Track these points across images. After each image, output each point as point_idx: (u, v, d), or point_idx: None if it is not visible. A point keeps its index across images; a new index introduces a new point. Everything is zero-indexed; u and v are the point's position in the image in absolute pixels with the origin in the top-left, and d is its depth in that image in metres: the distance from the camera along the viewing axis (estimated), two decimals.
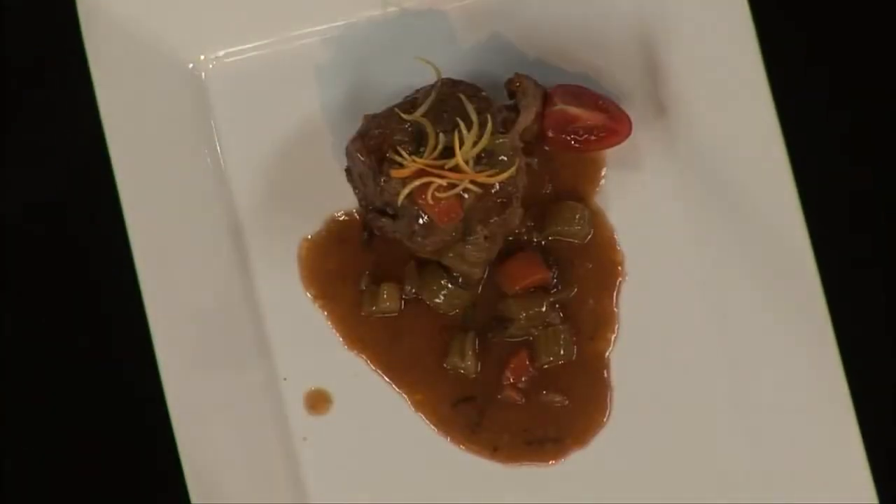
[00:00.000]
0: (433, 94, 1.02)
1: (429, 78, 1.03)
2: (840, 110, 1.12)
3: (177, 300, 1.05)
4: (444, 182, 0.99)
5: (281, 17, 1.08)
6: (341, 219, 1.09)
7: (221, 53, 1.09)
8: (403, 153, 1.00)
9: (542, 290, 1.07)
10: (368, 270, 1.08)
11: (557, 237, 1.08)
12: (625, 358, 1.08)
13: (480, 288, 1.08)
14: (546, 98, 1.06)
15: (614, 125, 1.06)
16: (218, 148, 1.09)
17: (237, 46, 1.09)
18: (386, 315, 1.08)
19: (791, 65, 1.09)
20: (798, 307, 1.05)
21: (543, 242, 1.08)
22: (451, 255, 1.05)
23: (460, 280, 1.07)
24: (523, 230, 1.08)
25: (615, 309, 1.08)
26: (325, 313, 1.08)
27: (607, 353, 1.08)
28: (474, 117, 1.00)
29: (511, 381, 1.07)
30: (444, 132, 1.00)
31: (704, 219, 1.07)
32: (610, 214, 1.09)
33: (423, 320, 1.08)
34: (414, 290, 1.07)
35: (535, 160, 1.06)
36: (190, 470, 1.04)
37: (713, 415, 1.07)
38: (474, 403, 1.08)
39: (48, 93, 1.13)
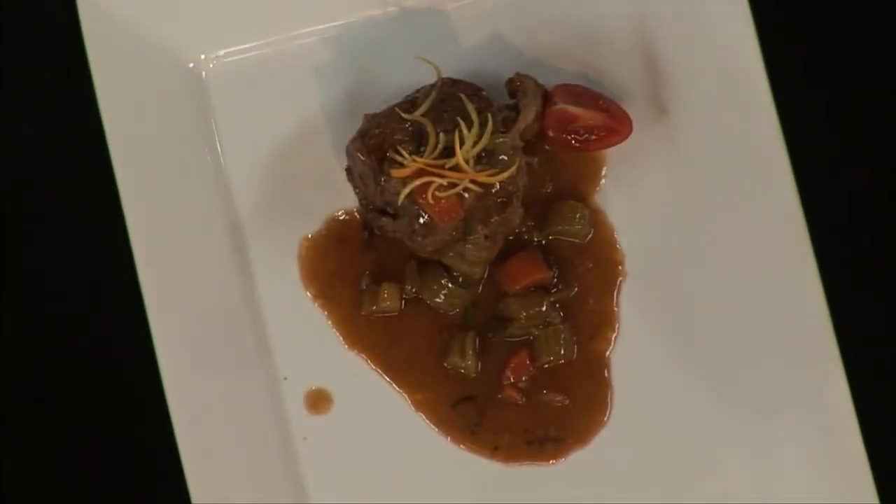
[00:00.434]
0: (433, 94, 1.02)
1: (429, 77, 1.03)
2: (840, 110, 1.12)
3: (177, 300, 1.05)
4: (444, 181, 0.99)
5: (281, 17, 1.08)
6: (341, 218, 1.09)
7: (221, 53, 1.09)
8: (404, 153, 1.00)
9: (543, 289, 1.07)
10: (369, 270, 1.08)
11: (558, 236, 1.08)
12: (625, 357, 1.08)
13: (481, 287, 1.08)
14: (546, 97, 1.06)
15: (615, 125, 1.06)
16: (218, 148, 1.09)
17: (237, 46, 1.09)
18: (386, 315, 1.08)
19: (791, 65, 1.09)
20: (798, 307, 1.05)
21: (544, 242, 1.08)
22: (451, 254, 1.05)
23: (460, 279, 1.07)
24: (524, 229, 1.08)
25: (615, 308, 1.08)
26: (326, 313, 1.08)
27: (607, 353, 1.08)
28: (475, 117, 1.00)
29: (511, 380, 1.07)
30: (445, 132, 1.00)
31: (704, 218, 1.07)
32: (610, 214, 1.09)
33: (423, 320, 1.08)
34: (414, 290, 1.07)
35: (536, 159, 1.06)
36: (190, 470, 1.04)
37: (713, 414, 1.07)
38: (474, 403, 1.08)
39: (48, 93, 1.13)
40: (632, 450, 1.07)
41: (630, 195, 1.08)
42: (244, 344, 1.07)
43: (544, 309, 1.07)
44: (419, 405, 1.08)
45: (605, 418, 1.07)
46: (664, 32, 1.07)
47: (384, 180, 1.01)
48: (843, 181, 1.12)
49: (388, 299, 1.07)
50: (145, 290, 1.04)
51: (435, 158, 1.00)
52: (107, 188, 1.05)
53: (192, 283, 1.06)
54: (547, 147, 1.08)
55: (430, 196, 0.99)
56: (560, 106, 1.06)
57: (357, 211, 1.08)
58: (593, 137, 1.06)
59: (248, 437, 1.06)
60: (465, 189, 1.00)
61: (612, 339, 1.08)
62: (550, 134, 1.06)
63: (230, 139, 1.09)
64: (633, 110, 1.07)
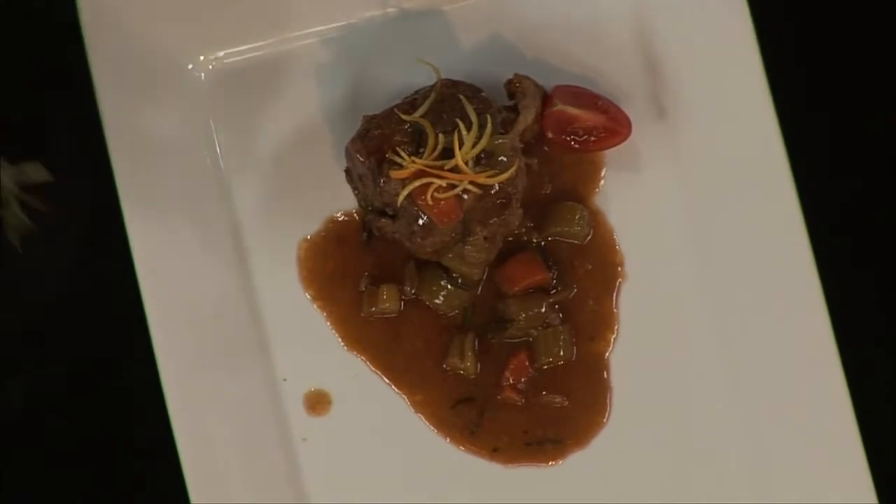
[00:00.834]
0: (433, 95, 1.02)
1: (429, 78, 1.03)
2: (840, 110, 1.12)
3: (176, 301, 1.06)
4: (443, 183, 0.99)
5: (280, 18, 1.08)
6: (341, 219, 1.09)
7: (221, 54, 1.09)
8: (403, 154, 1.00)
9: (542, 290, 1.07)
10: (368, 271, 1.08)
11: (557, 238, 1.08)
12: (624, 359, 1.08)
13: (480, 289, 1.08)
14: (546, 99, 1.06)
15: (614, 126, 1.06)
16: (217, 149, 1.09)
17: (237, 47, 1.09)
18: (385, 316, 1.08)
19: (790, 65, 1.09)
20: (797, 307, 1.05)
21: (543, 243, 1.08)
22: (450, 255, 1.05)
23: (460, 281, 1.07)
24: (523, 231, 1.08)
25: (615, 310, 1.08)
26: (325, 314, 1.08)
27: (607, 354, 1.08)
28: (474, 118, 1.00)
29: (511, 381, 1.07)
30: (444, 133, 1.00)
31: (704, 219, 1.07)
32: (610, 215, 1.09)
33: (422, 321, 1.08)
34: (413, 291, 1.07)
35: (535, 161, 1.06)
36: (190, 470, 1.04)
37: (713, 415, 1.07)
38: (474, 404, 1.08)
39: (48, 93, 1.13)
40: (631, 451, 1.07)
41: (629, 196, 1.08)
42: (243, 345, 1.07)
43: (543, 310, 1.07)
44: (418, 406, 1.08)
45: (605, 420, 1.07)
46: (663, 34, 1.07)
47: (383, 181, 1.01)
48: (842, 181, 1.11)
49: (388, 300, 1.07)
50: (145, 291, 1.05)
51: (434, 160, 1.00)
52: (106, 188, 1.05)
53: (191, 285, 1.06)
54: (546, 148, 1.08)
55: (429, 197, 0.99)
56: (559, 107, 1.06)
57: (356, 212, 1.08)
58: (592, 139, 1.06)
59: (248, 438, 1.06)
60: (465, 190, 1.00)
61: (612, 340, 1.08)
62: (550, 135, 1.06)
63: (229, 140, 1.09)
64: (633, 111, 1.07)
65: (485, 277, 1.08)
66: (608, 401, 1.07)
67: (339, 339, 1.08)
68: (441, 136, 1.00)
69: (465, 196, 1.00)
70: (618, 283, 1.08)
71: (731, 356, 1.06)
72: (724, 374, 1.06)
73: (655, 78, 1.08)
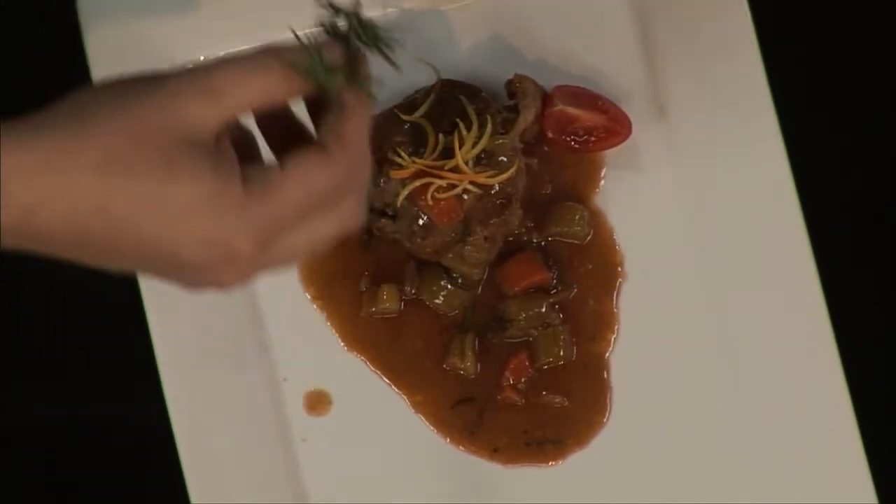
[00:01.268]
0: (433, 95, 1.02)
1: (429, 78, 1.03)
2: (841, 110, 1.12)
3: (176, 300, 1.05)
4: (443, 183, 0.99)
5: (280, 18, 1.08)
6: None
7: (221, 54, 1.08)
8: (403, 154, 1.00)
9: (542, 290, 1.07)
10: (368, 271, 1.08)
11: (557, 238, 1.08)
12: (625, 359, 1.07)
13: (480, 289, 1.08)
14: (546, 99, 1.06)
15: (614, 126, 1.06)
16: None
17: (236, 47, 1.08)
18: (385, 316, 1.08)
19: (791, 65, 1.09)
20: (798, 307, 1.05)
21: (543, 243, 1.08)
22: (450, 255, 1.05)
23: (460, 281, 1.07)
24: (523, 231, 1.08)
25: (615, 310, 1.08)
26: (325, 314, 1.08)
27: (607, 354, 1.08)
28: (474, 118, 1.00)
29: (511, 381, 1.07)
30: (444, 133, 1.00)
31: (704, 219, 1.07)
32: (610, 215, 1.08)
33: (422, 321, 1.08)
34: (413, 291, 1.07)
35: (535, 161, 1.06)
36: (190, 470, 1.04)
37: (713, 415, 1.07)
38: (474, 404, 1.07)
39: (49, 93, 1.12)
40: (631, 451, 1.07)
41: (630, 196, 1.08)
42: (243, 345, 1.07)
43: (544, 310, 1.07)
44: (418, 406, 1.08)
45: (605, 420, 1.07)
46: (664, 33, 1.07)
47: (383, 181, 1.01)
48: (842, 181, 1.11)
49: (388, 300, 1.07)
50: (144, 291, 1.05)
51: (434, 160, 1.00)
52: None
53: None
54: (546, 148, 1.08)
55: (429, 197, 0.99)
56: (559, 107, 1.06)
57: None
58: (593, 139, 1.06)
59: (248, 438, 1.06)
60: (465, 190, 1.00)
61: (612, 340, 1.08)
62: (550, 135, 1.06)
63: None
64: (633, 111, 1.06)
65: (485, 277, 1.08)
66: (608, 401, 1.07)
67: (339, 339, 1.08)
68: (441, 136, 1.00)
69: (465, 196, 1.00)
70: (618, 283, 1.08)
71: (731, 356, 1.06)
72: (724, 374, 1.06)
73: (655, 78, 1.08)
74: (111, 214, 0.70)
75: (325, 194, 0.74)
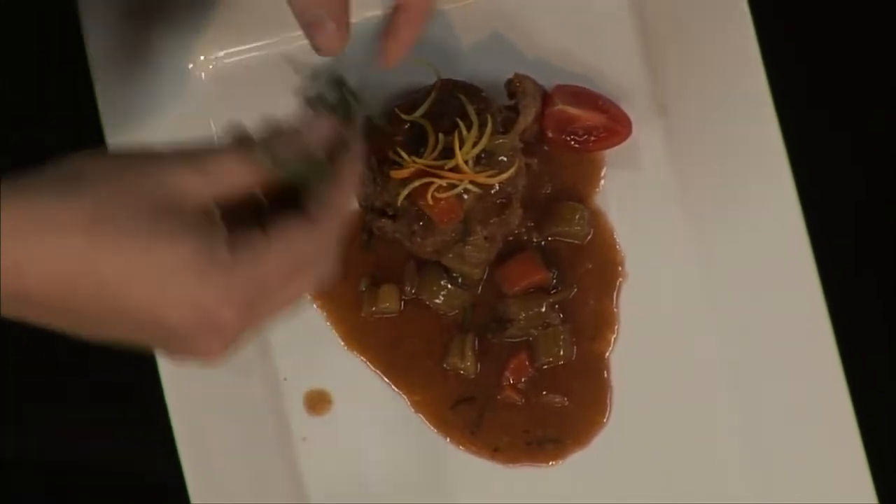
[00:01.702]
0: (433, 95, 1.02)
1: (428, 78, 1.03)
2: (841, 110, 1.12)
3: None
4: (443, 183, 0.99)
5: (280, 18, 1.08)
6: None
7: (221, 54, 1.09)
8: (403, 154, 1.00)
9: (542, 290, 1.07)
10: (368, 271, 1.08)
11: (557, 237, 1.08)
12: (625, 358, 1.08)
13: (480, 288, 1.08)
14: (546, 98, 1.06)
15: (614, 125, 1.06)
16: None
17: (237, 47, 1.09)
18: (385, 316, 1.08)
19: (791, 65, 1.09)
20: (798, 307, 1.05)
21: (543, 243, 1.08)
22: (450, 255, 1.05)
23: (460, 280, 1.07)
24: (523, 231, 1.08)
25: (615, 309, 1.08)
26: (325, 314, 1.08)
27: (607, 354, 1.08)
28: (474, 118, 1.00)
29: (511, 381, 1.07)
30: (444, 133, 1.00)
31: (704, 219, 1.07)
32: (610, 214, 1.08)
33: (422, 321, 1.08)
34: (413, 291, 1.07)
35: (535, 161, 1.06)
36: (190, 470, 1.04)
37: (713, 415, 1.07)
38: (474, 404, 1.08)
39: (49, 93, 1.13)
40: (631, 451, 1.07)
41: (630, 196, 1.08)
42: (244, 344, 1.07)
43: (544, 310, 1.07)
44: (418, 406, 1.08)
45: (605, 419, 1.07)
46: (664, 33, 1.07)
47: (383, 181, 1.01)
48: (842, 181, 1.12)
49: (388, 300, 1.07)
50: None
51: (434, 159, 1.00)
52: None
53: None
54: (546, 148, 1.08)
55: (429, 197, 0.99)
56: (559, 107, 1.06)
57: (356, 212, 1.08)
58: (593, 138, 1.06)
59: (248, 438, 1.06)
60: (465, 190, 1.00)
61: (612, 340, 1.08)
62: (550, 135, 1.06)
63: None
64: (633, 111, 1.06)
65: (485, 277, 1.08)
66: (608, 400, 1.07)
67: (339, 339, 1.08)
68: (441, 136, 1.00)
69: (466, 196, 1.01)
70: (618, 283, 1.08)
71: (731, 355, 1.06)
72: (724, 374, 1.06)
73: (656, 77, 1.08)
74: (98, 276, 0.71)
75: (308, 258, 0.76)
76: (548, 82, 1.07)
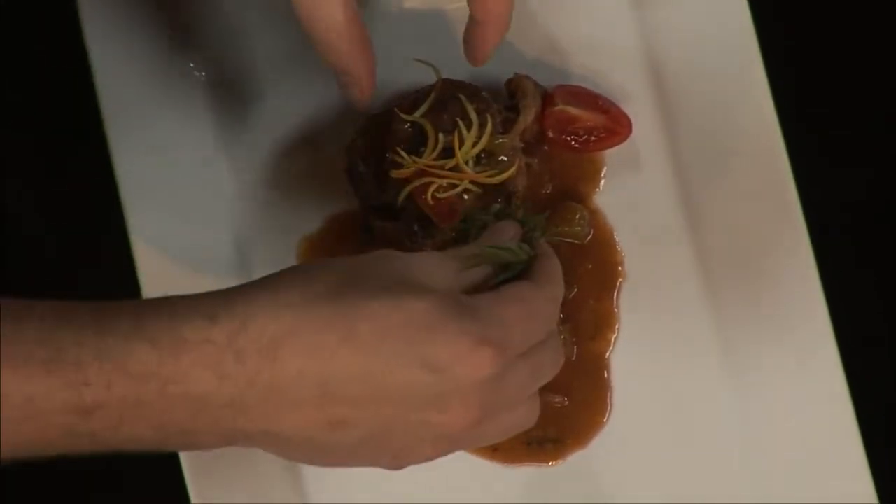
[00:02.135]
0: (433, 95, 1.02)
1: (429, 78, 1.03)
2: (841, 110, 1.12)
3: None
4: (443, 182, 0.99)
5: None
6: (341, 219, 1.09)
7: (222, 53, 1.09)
8: (403, 153, 1.00)
9: None
10: None
11: (557, 238, 1.08)
12: (625, 358, 1.07)
13: None
14: (546, 98, 1.06)
15: (614, 125, 1.06)
16: (218, 147, 1.09)
17: (237, 46, 1.08)
18: None
19: (791, 65, 1.09)
20: (798, 307, 1.05)
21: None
22: None
23: None
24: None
25: (615, 309, 1.08)
26: None
27: (607, 354, 1.08)
28: (474, 117, 1.00)
29: None
30: (444, 132, 1.00)
31: (704, 219, 1.07)
32: (610, 214, 1.08)
33: None
34: None
35: (535, 160, 1.06)
36: (190, 470, 1.04)
37: (713, 415, 1.07)
38: None
39: (48, 93, 1.13)
40: (632, 451, 1.07)
41: (630, 196, 1.08)
42: None
43: None
44: None
45: (605, 419, 1.07)
46: (663, 33, 1.07)
47: (383, 181, 1.01)
48: (842, 181, 1.12)
49: None
50: (145, 292, 1.05)
51: (434, 159, 1.00)
52: (107, 189, 1.05)
53: (191, 285, 1.05)
54: (546, 148, 1.08)
55: (429, 197, 0.99)
56: (560, 107, 1.06)
57: (356, 211, 1.08)
58: (593, 138, 1.06)
59: None
60: (465, 190, 1.00)
61: (612, 340, 1.08)
62: (550, 135, 1.06)
63: (229, 139, 1.09)
64: (633, 111, 1.06)
65: None
66: (609, 400, 1.07)
67: None
68: (441, 136, 1.00)
69: (466, 196, 1.00)
70: (618, 283, 1.08)
71: (732, 356, 1.06)
72: (724, 373, 1.06)
73: (656, 77, 1.08)
74: (358, 338, 0.73)
75: (538, 312, 0.81)
76: (548, 82, 1.07)
